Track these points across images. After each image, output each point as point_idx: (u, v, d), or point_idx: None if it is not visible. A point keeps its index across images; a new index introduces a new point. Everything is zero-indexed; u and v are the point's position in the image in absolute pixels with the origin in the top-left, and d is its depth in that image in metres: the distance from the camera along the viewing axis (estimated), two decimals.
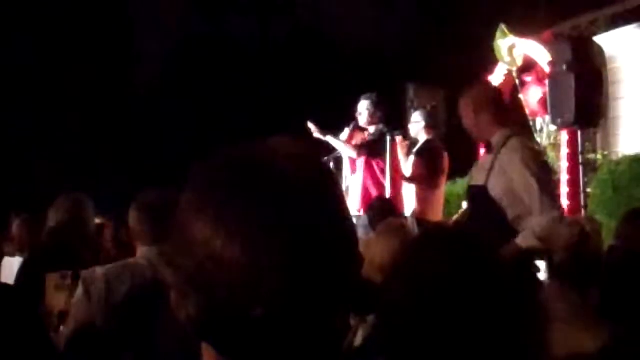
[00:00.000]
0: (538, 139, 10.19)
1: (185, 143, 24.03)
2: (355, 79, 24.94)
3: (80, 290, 3.60)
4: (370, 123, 8.74)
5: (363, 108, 8.75)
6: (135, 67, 29.31)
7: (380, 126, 8.68)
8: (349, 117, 9.01)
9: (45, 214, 5.49)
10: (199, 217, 1.11)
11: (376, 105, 8.74)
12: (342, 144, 8.69)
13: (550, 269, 3.58)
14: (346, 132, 8.81)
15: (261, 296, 1.07)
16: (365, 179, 8.64)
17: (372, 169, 8.69)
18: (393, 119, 9.08)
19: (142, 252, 3.68)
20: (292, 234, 1.08)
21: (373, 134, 8.68)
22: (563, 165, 8.78)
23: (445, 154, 8.83)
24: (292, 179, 1.12)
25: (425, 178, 8.59)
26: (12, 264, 6.57)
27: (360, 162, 8.71)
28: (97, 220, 5.93)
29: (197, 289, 1.10)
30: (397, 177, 8.56)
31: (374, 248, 4.29)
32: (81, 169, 22.63)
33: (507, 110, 4.93)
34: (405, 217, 7.96)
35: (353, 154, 8.67)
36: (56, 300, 4.13)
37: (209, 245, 1.09)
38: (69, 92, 25.16)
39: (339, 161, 8.94)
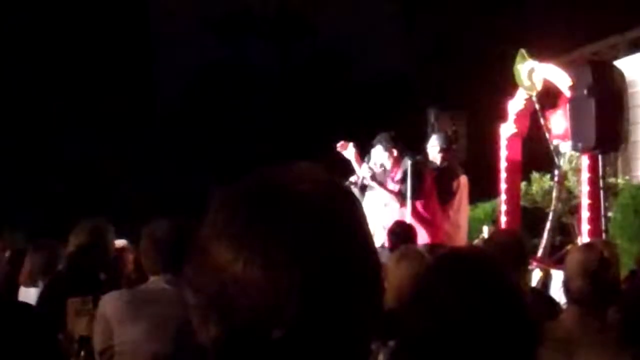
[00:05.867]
0: (560, 163, 10.17)
1: (205, 168, 24.13)
2: (375, 103, 25.03)
3: (97, 319, 3.67)
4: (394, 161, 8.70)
5: (380, 152, 8.72)
6: (156, 93, 29.51)
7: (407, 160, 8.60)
8: (369, 143, 9.00)
9: (65, 240, 5.50)
10: (221, 240, 1.12)
11: (394, 145, 8.71)
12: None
13: (568, 294, 3.55)
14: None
15: (282, 318, 1.08)
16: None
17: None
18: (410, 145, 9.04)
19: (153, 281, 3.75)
20: (313, 257, 1.09)
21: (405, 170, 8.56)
22: (584, 189, 8.71)
23: (460, 178, 8.88)
24: (313, 203, 1.13)
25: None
26: (27, 295, 6.36)
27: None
28: (118, 245, 5.92)
29: (218, 310, 1.11)
30: (431, 202, 8.53)
31: (391, 274, 4.29)
32: (101, 193, 22.75)
33: None
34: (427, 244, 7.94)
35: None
36: (77, 325, 4.14)
37: (231, 268, 1.10)
38: (88, 116, 25.35)
39: (364, 187, 8.89)
